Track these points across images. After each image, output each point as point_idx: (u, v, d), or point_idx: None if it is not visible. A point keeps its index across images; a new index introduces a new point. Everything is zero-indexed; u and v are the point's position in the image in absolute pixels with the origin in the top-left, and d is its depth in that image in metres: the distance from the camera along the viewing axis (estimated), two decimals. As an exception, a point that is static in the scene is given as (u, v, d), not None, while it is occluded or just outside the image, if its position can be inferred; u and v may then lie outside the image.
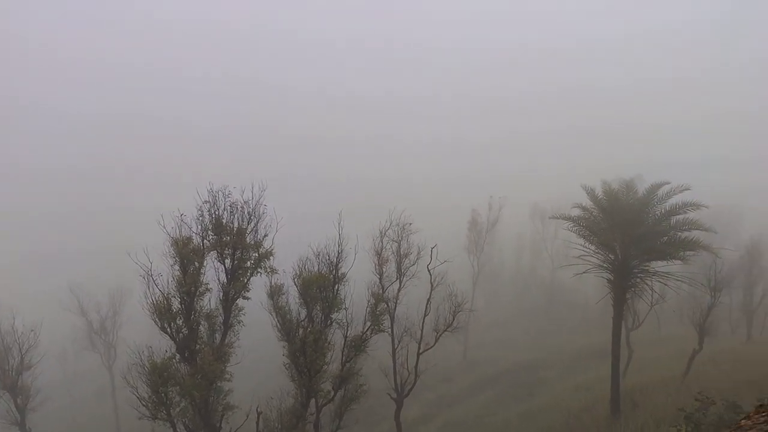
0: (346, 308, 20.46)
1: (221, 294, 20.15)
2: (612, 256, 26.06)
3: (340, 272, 20.43)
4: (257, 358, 47.07)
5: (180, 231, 19.11)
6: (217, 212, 19.14)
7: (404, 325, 23.62)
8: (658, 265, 26.36)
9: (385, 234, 22.41)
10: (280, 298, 21.61)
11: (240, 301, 21.30)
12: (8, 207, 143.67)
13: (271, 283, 21.32)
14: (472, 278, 56.81)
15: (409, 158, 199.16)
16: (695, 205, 23.93)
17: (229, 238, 19.44)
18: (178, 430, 18.90)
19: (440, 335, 23.16)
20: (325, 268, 20.35)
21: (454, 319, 22.96)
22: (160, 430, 20.37)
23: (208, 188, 18.78)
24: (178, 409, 18.81)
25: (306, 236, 24.07)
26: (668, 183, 24.95)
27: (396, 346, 23.61)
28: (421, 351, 23.49)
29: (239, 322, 21.70)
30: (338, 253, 20.14)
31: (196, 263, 19.53)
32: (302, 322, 20.68)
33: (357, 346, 20.38)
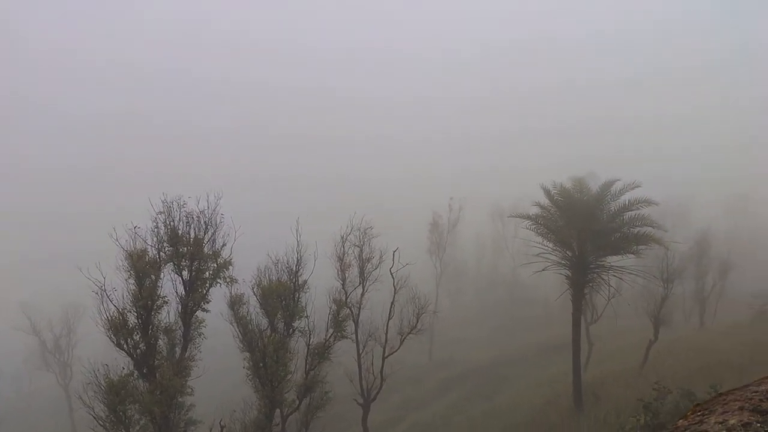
0: (307, 316, 20.25)
1: (180, 307, 19.65)
2: (569, 253, 26.68)
3: (300, 280, 20.20)
4: (222, 369, 46.17)
5: (134, 243, 18.57)
6: (172, 223, 18.67)
7: (368, 330, 23.57)
8: (613, 260, 27.18)
9: (346, 239, 22.33)
10: (241, 309, 21.27)
11: (200, 313, 20.88)
12: (9, 207, 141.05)
13: (231, 293, 20.98)
14: (436, 279, 57.21)
15: (382, 159, 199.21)
16: (646, 202, 24.82)
17: (186, 249, 18.99)
18: (138, 449, 18.32)
19: (405, 338, 23.22)
20: (285, 276, 20.11)
21: (418, 322, 23.05)
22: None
23: (162, 199, 18.30)
24: (137, 428, 18.23)
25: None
26: (619, 180, 25.75)
27: (361, 351, 23.52)
28: (386, 355, 23.49)
29: (200, 335, 21.22)
30: (297, 260, 19.94)
31: (152, 276, 19.00)
32: (264, 332, 20.38)
33: (320, 353, 20.22)
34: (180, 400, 18.97)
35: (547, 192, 27.07)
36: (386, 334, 23.22)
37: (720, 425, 1.92)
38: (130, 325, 18.55)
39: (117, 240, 18.05)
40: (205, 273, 19.58)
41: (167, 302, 19.45)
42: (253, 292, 20.54)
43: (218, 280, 19.87)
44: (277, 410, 20.36)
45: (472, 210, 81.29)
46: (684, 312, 44.51)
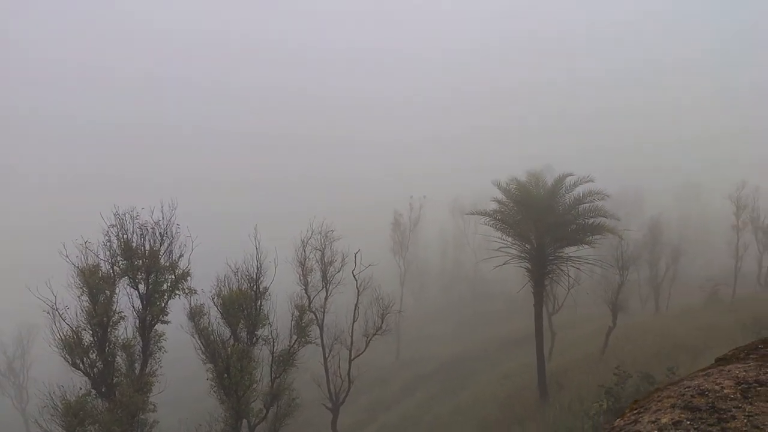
0: (270, 323, 19.98)
1: (137, 321, 19.10)
2: (528, 246, 27.20)
3: (261, 287, 19.92)
4: (186, 380, 45.18)
5: (86, 259, 17.96)
6: (125, 236, 18.12)
7: (334, 333, 23.44)
8: (571, 251, 27.86)
9: (307, 243, 22.13)
10: (201, 319, 20.84)
11: (159, 327, 20.34)
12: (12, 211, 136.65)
13: (191, 304, 20.53)
14: (400, 278, 57.41)
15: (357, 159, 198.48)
16: (599, 194, 25.57)
17: (141, 261, 18.47)
18: (99, 470, 17.71)
19: (370, 340, 23.19)
20: (245, 284, 19.79)
21: (383, 322, 23.06)
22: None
23: (114, 212, 17.76)
24: (98, 449, 17.63)
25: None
26: (572, 174, 26.42)
27: (327, 355, 23.38)
28: (352, 357, 23.40)
29: (160, 349, 20.69)
30: (258, 267, 19.64)
31: (106, 292, 18.41)
32: (227, 342, 20.02)
33: (285, 360, 19.97)
34: (142, 417, 18.46)
35: (502, 187, 27.52)
36: (351, 336, 23.14)
37: (652, 424, 1.96)
38: (86, 344, 17.93)
39: (67, 257, 17.43)
40: (162, 285, 19.09)
41: (124, 317, 18.89)
42: (214, 303, 20.13)
43: (177, 292, 19.40)
44: (244, 421, 20.04)
45: (439, 207, 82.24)
46: (640, 298, 45.95)
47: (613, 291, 31.96)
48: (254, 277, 20.12)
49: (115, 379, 18.75)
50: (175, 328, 20.78)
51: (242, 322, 20.21)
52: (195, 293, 20.15)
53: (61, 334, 17.58)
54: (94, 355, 18.44)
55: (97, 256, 17.89)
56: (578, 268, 27.46)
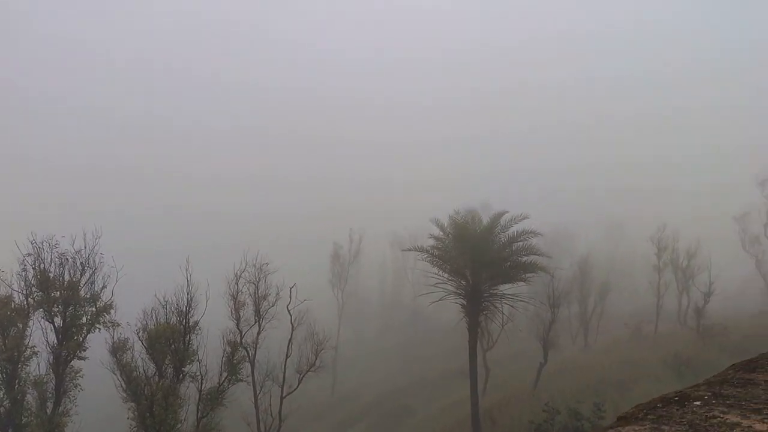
0: (199, 359, 19.16)
1: (51, 357, 17.88)
2: (464, 283, 27.56)
3: (191, 321, 19.13)
4: (105, 420, 42.40)
5: (-3, 289, 16.78)
6: (42, 265, 17.05)
7: (266, 370, 22.70)
8: (505, 288, 28.47)
9: (240, 276, 21.52)
10: (125, 355, 19.75)
11: (76, 363, 19.12)
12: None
13: (113, 338, 19.45)
14: (338, 311, 56.80)
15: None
16: (533, 233, 26.49)
17: (58, 293, 17.38)
18: None
19: (303, 376, 22.61)
20: (174, 318, 18.95)
21: (317, 359, 22.57)
22: None
23: (31, 239, 16.71)
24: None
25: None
26: (507, 212, 27.22)
27: (258, 392, 22.56)
28: (284, 395, 22.70)
29: (76, 387, 19.42)
30: (188, 300, 18.88)
31: (19, 324, 17.19)
32: (152, 379, 18.99)
33: (213, 398, 19.11)
34: (52, 461, 17.14)
35: (440, 224, 27.98)
36: (284, 373, 22.49)
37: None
38: (-8, 381, 16.62)
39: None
40: (81, 318, 18.01)
41: (37, 353, 17.66)
42: (139, 337, 19.13)
43: (97, 326, 18.34)
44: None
45: (380, 240, 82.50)
46: (571, 334, 47.33)
47: (545, 327, 32.79)
48: (184, 310, 19.32)
49: (24, 419, 17.44)
50: (95, 364, 19.59)
51: (169, 357, 19.29)
52: (118, 327, 19.14)
53: (-37, 370, 16.22)
54: (2, 393, 17.13)
55: (10, 287, 16.73)
56: (512, 305, 28.04)
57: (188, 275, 18.69)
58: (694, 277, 44.16)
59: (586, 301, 45.71)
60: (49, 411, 18.01)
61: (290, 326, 22.81)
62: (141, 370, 19.30)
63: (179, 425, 18.75)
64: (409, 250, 30.73)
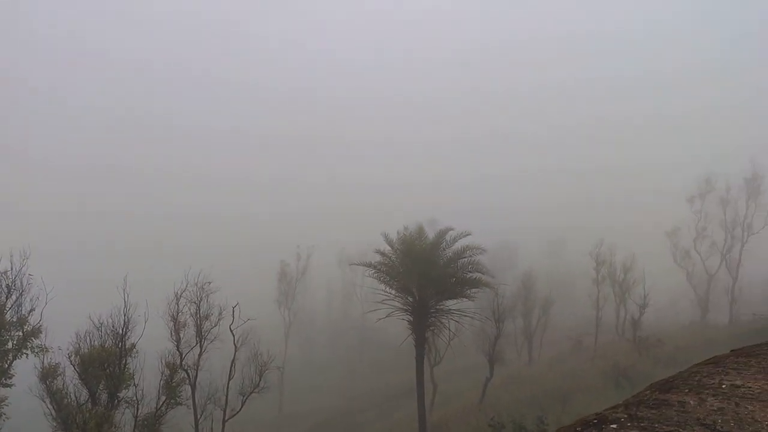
0: (136, 384, 18.35)
1: (-27, 386, 16.72)
2: (411, 299, 27.71)
3: (128, 343, 18.33)
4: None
5: None
6: (-37, 288, 16.00)
7: (208, 393, 21.95)
8: (451, 304, 28.80)
9: (181, 296, 20.81)
10: (55, 381, 18.71)
11: (1, 390, 17.96)
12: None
13: (43, 364, 18.39)
14: (285, 330, 55.84)
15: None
16: (477, 249, 26.98)
17: (-19, 317, 16.33)
18: None
19: (246, 398, 22.00)
20: (110, 341, 18.12)
21: (261, 379, 22.03)
22: None
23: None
24: None
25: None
26: (453, 229, 27.68)
27: (199, 416, 21.76)
28: (226, 418, 22.00)
29: (0, 416, 18.23)
30: (125, 322, 18.10)
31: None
32: (84, 406, 18.02)
33: (150, 424, 18.32)
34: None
35: (388, 239, 28.11)
36: (227, 395, 21.81)
37: None
38: None
39: None
40: (7, 343, 16.93)
41: (-44, 381, 16.47)
42: (71, 362, 18.16)
43: (24, 351, 17.30)
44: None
45: (328, 256, 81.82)
46: (516, 348, 48.27)
47: (490, 342, 33.29)
48: (120, 332, 18.50)
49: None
50: (23, 392, 18.47)
51: (103, 382, 18.38)
52: (48, 351, 18.13)
53: None
54: None
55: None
56: (457, 321, 28.38)
57: (126, 295, 17.93)
58: (630, 289, 46.00)
59: (530, 315, 46.77)
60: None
61: (233, 347, 22.21)
62: (72, 396, 18.33)
63: (114, 454, 17.84)
64: (356, 265, 30.68)
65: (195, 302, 21.21)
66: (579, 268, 66.12)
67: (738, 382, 2.83)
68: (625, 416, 2.58)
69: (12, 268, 16.43)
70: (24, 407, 20.24)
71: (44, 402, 18.13)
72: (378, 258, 28.83)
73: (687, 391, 2.81)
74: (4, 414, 18.59)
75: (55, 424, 18.02)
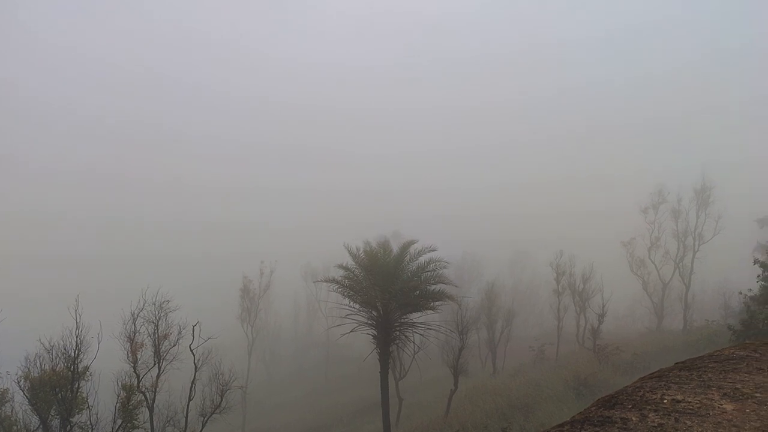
0: (90, 407, 17.70)
1: None
2: (375, 313, 27.65)
3: (81, 366, 17.69)
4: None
5: None
6: None
7: (166, 415, 21.33)
8: (415, 317, 28.87)
9: (138, 316, 20.21)
10: (3, 408, 17.90)
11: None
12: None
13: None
14: (248, 347, 54.86)
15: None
16: (441, 262, 27.18)
17: None
18: None
19: (207, 419, 21.45)
20: (61, 364, 17.44)
21: (222, 399, 21.53)
22: None
23: None
24: None
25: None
26: (417, 241, 27.82)
27: (157, 439, 21.10)
28: (187, 440, 21.39)
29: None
30: (77, 344, 17.47)
31: None
32: (34, 432, 17.28)
33: (105, 450, 17.68)
34: None
35: (353, 253, 28.04)
36: (186, 417, 21.21)
37: None
38: None
39: None
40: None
41: None
42: (20, 386, 17.41)
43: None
44: None
45: (293, 271, 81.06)
46: (481, 359, 48.59)
47: (455, 355, 33.43)
48: (72, 355, 17.84)
49: None
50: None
51: (55, 407, 17.68)
52: (-6, 377, 17.34)
53: None
54: None
55: None
56: (422, 335, 28.45)
57: (78, 316, 17.32)
58: (590, 299, 47.00)
59: (494, 326, 47.18)
60: None
61: (193, 367, 21.67)
62: (22, 423, 17.57)
63: (66, 483, 17.11)
64: (321, 281, 30.48)
65: (153, 322, 20.62)
66: (541, 279, 67.35)
67: (679, 397, 2.92)
68: (570, 435, 2.63)
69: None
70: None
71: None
72: (341, 272, 28.72)
73: (630, 407, 2.88)
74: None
75: (3, 453, 17.22)
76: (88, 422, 17.82)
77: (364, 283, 27.59)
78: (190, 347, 21.64)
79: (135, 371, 19.67)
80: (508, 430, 24.35)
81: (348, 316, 27.81)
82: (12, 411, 17.90)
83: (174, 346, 20.99)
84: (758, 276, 27.84)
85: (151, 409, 20.22)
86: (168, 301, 20.76)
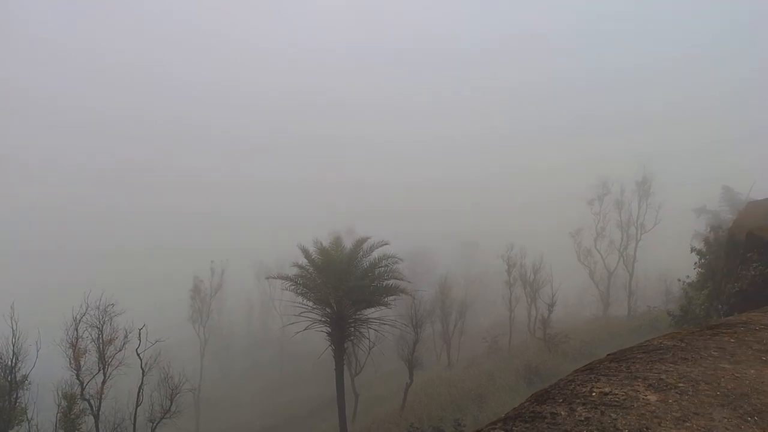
0: (29, 418, 16.91)
1: None
2: (329, 310, 27.54)
3: (19, 375, 16.86)
4: None
5: None
6: None
7: (113, 422, 20.60)
8: (370, 312, 28.93)
9: (80, 321, 19.41)
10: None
11: None
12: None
13: None
14: (200, 348, 53.71)
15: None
16: (394, 258, 27.33)
17: None
18: None
19: (156, 425, 20.86)
20: (-2, 374, 16.60)
21: (172, 404, 20.98)
22: None
23: None
24: None
25: None
26: (370, 238, 27.86)
27: (104, 448, 20.38)
28: (135, 447, 20.75)
29: None
30: (14, 352, 16.64)
31: None
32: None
33: (47, 462, 16.94)
34: None
35: (305, 251, 27.84)
36: (134, 423, 20.55)
37: None
38: None
39: None
40: None
41: None
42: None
43: None
44: None
45: (246, 270, 79.70)
46: (435, 352, 49.19)
47: (409, 348, 33.69)
48: (9, 364, 16.98)
49: None
50: None
51: (-10, 420, 16.78)
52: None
53: None
54: None
55: None
56: (376, 330, 28.55)
57: (14, 324, 16.49)
58: (540, 289, 48.26)
59: (448, 319, 47.82)
60: None
61: (141, 371, 21.00)
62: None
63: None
64: (274, 278, 30.12)
65: (97, 327, 19.86)
66: (493, 270, 68.60)
67: (606, 389, 3.00)
68: (502, 432, 2.67)
69: None
70: None
71: None
72: (295, 270, 28.49)
73: (561, 401, 2.94)
74: None
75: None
76: (28, 433, 17.04)
77: (317, 281, 27.44)
78: (137, 351, 20.95)
79: (78, 378, 18.89)
80: (461, 420, 24.69)
81: (302, 314, 27.61)
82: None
83: (120, 351, 20.28)
84: (695, 263, 29.26)
85: (96, 417, 19.48)
86: (113, 304, 20.02)
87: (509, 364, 37.74)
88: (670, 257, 55.90)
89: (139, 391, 20.57)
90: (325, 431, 36.72)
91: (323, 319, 27.56)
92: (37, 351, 17.24)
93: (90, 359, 19.69)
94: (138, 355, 21.06)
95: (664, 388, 2.99)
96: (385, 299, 27.36)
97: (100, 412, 19.92)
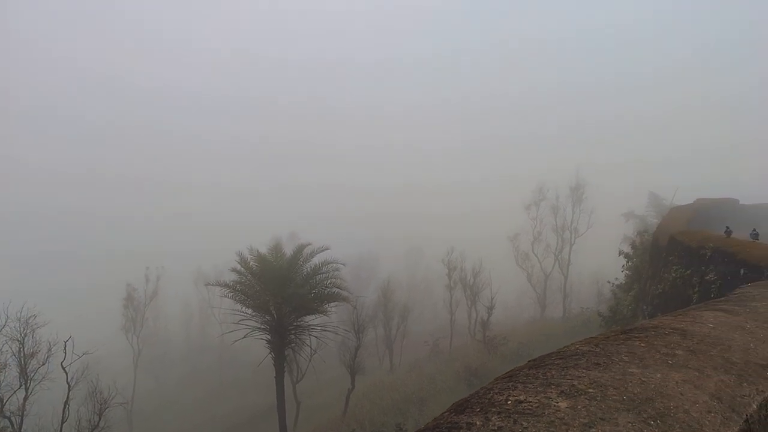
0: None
1: None
2: (268, 317, 27.08)
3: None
4: None
5: None
6: None
7: (36, 440, 19.48)
8: (311, 319, 28.64)
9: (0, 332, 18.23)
10: None
11: None
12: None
13: None
14: (134, 359, 51.59)
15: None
16: (335, 264, 27.20)
17: None
18: None
19: (84, 441, 19.84)
20: None
21: (100, 419, 20.00)
22: None
23: None
24: None
25: None
26: (310, 244, 27.62)
27: (26, 468, 19.21)
28: (61, 466, 19.62)
29: None
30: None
31: None
32: None
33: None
34: None
35: (242, 259, 27.29)
36: (60, 440, 19.47)
37: None
38: None
39: None
40: None
41: None
42: None
43: None
44: None
45: (183, 277, 77.19)
46: (378, 356, 49.31)
47: (351, 354, 33.65)
48: None
49: None
50: None
51: None
52: None
53: None
54: None
55: None
56: (317, 337, 28.33)
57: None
58: (479, 292, 49.33)
59: (390, 323, 48.08)
60: None
61: (66, 386, 19.91)
62: None
63: None
64: (211, 285, 29.36)
65: (18, 340, 18.70)
66: (435, 274, 69.59)
67: (522, 397, 3.09)
68: (418, 445, 2.70)
69: None
70: None
71: None
72: (234, 277, 27.86)
73: (478, 410, 3.01)
74: None
75: None
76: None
77: (256, 288, 26.94)
78: (62, 365, 19.86)
79: (-4, 395, 17.74)
80: (402, 424, 24.85)
81: (241, 322, 27.00)
82: None
83: (43, 365, 19.17)
84: (623, 266, 30.73)
85: (17, 436, 18.34)
86: (35, 316, 18.92)
87: (450, 367, 38.35)
88: (602, 260, 58.43)
89: (64, 407, 19.45)
90: (266, 440, 36.05)
91: (263, 326, 27.07)
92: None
93: (10, 374, 18.51)
94: (63, 368, 19.96)
95: (575, 394, 3.11)
96: (326, 306, 27.20)
97: (22, 430, 18.76)
